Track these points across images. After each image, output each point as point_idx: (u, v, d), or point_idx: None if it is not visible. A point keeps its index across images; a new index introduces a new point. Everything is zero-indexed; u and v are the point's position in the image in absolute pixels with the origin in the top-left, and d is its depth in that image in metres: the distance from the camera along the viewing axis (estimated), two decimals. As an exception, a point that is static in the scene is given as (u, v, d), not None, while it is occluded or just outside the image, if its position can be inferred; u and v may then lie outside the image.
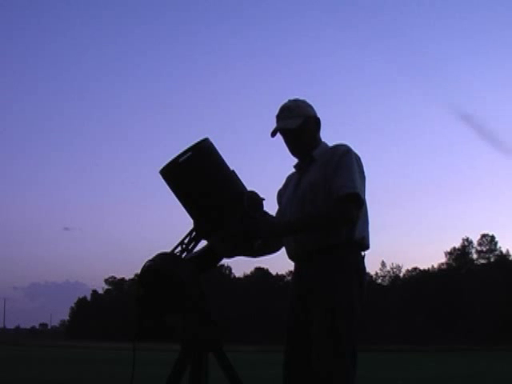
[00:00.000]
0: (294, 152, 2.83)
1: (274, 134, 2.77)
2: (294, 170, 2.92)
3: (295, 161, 2.89)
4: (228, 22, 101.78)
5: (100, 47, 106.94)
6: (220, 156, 2.46)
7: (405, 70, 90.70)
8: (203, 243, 2.49)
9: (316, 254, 2.66)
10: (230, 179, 2.45)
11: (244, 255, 2.73)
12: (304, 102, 2.84)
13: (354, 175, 2.62)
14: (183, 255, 2.40)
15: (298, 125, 2.72)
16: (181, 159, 2.36)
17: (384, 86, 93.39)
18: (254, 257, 2.84)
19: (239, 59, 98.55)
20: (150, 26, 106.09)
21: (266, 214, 2.56)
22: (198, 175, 2.38)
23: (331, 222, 2.62)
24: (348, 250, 2.66)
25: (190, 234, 2.44)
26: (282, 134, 2.78)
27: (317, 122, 2.83)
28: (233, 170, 2.47)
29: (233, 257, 2.53)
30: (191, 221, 2.47)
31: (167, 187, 2.43)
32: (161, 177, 2.40)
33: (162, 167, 2.40)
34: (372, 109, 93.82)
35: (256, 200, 2.45)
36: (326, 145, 2.84)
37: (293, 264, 2.84)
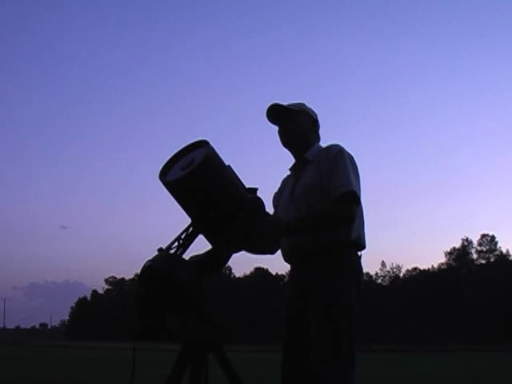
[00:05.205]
0: (285, 142, 2.83)
1: (270, 117, 2.79)
2: (289, 173, 2.93)
3: (291, 164, 2.90)
4: (226, 24, 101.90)
5: (100, 49, 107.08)
6: (220, 157, 2.43)
7: (404, 69, 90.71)
8: (201, 239, 2.48)
9: (313, 255, 2.67)
10: (233, 180, 2.43)
11: (246, 251, 2.73)
12: (309, 107, 2.87)
13: (349, 173, 2.64)
14: (179, 251, 2.38)
15: (291, 108, 2.76)
16: (186, 170, 2.30)
17: (384, 85, 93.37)
18: (253, 253, 2.85)
19: (238, 61, 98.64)
20: (149, 28, 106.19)
21: (267, 215, 2.55)
22: (207, 180, 2.32)
23: (331, 221, 2.63)
24: (345, 251, 2.67)
25: (186, 229, 2.43)
26: (276, 118, 2.80)
27: (313, 123, 2.84)
28: (229, 165, 2.44)
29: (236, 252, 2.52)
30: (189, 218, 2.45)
31: (165, 190, 2.39)
32: (162, 183, 2.34)
33: (168, 178, 2.33)
34: (373, 109, 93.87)
35: (259, 205, 2.44)
36: (320, 146, 2.85)
37: (292, 264, 2.84)
